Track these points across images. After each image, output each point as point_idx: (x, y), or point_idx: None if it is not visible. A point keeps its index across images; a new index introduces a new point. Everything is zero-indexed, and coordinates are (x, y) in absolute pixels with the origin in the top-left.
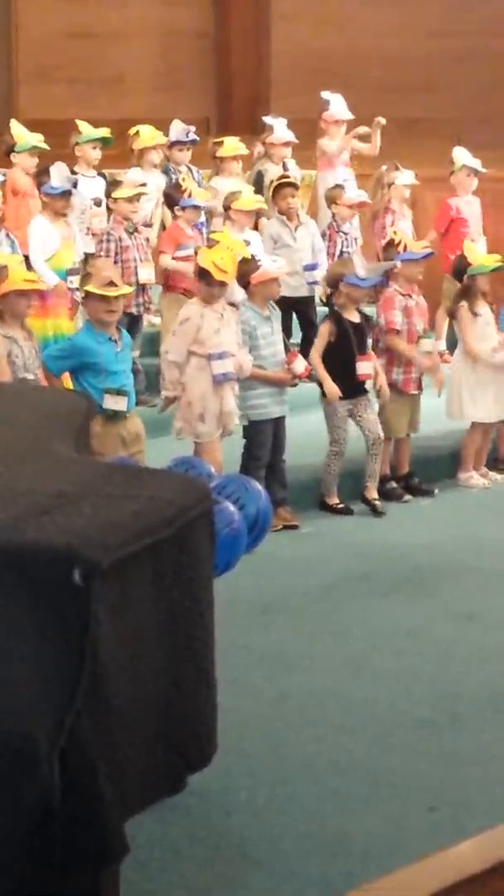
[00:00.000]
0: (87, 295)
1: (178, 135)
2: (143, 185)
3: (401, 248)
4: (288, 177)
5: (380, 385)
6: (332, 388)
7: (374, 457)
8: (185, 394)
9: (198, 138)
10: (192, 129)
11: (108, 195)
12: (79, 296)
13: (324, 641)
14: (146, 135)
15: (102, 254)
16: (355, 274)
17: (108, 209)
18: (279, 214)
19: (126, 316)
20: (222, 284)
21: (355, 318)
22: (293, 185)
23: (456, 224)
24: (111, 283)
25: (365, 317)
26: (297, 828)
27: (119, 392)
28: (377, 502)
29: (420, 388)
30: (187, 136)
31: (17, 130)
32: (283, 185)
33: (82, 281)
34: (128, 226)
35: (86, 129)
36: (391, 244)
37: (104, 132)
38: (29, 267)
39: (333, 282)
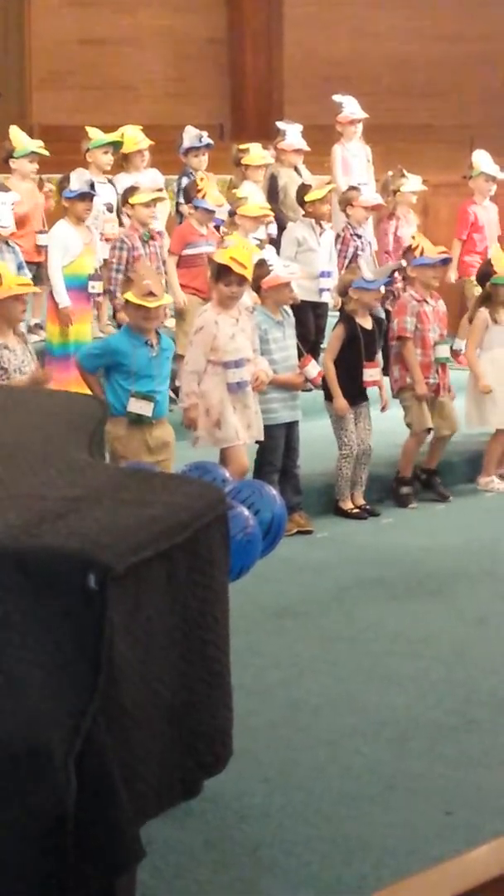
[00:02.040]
0: (127, 302)
1: (192, 141)
2: (160, 189)
3: (418, 253)
4: (330, 181)
5: (384, 401)
6: (342, 404)
7: (363, 466)
8: (203, 401)
9: (212, 142)
10: (205, 133)
11: (125, 201)
12: (100, 300)
13: (338, 646)
14: (129, 138)
15: (114, 261)
16: (362, 278)
17: (126, 215)
18: (307, 218)
19: None
20: (242, 280)
21: (367, 324)
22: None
23: (472, 230)
24: (150, 294)
25: (377, 321)
26: (312, 832)
27: (146, 397)
28: (367, 507)
29: (438, 392)
30: (201, 141)
31: (16, 136)
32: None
33: (124, 287)
34: (143, 233)
35: (96, 135)
36: (410, 249)
37: (114, 136)
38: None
39: (343, 289)
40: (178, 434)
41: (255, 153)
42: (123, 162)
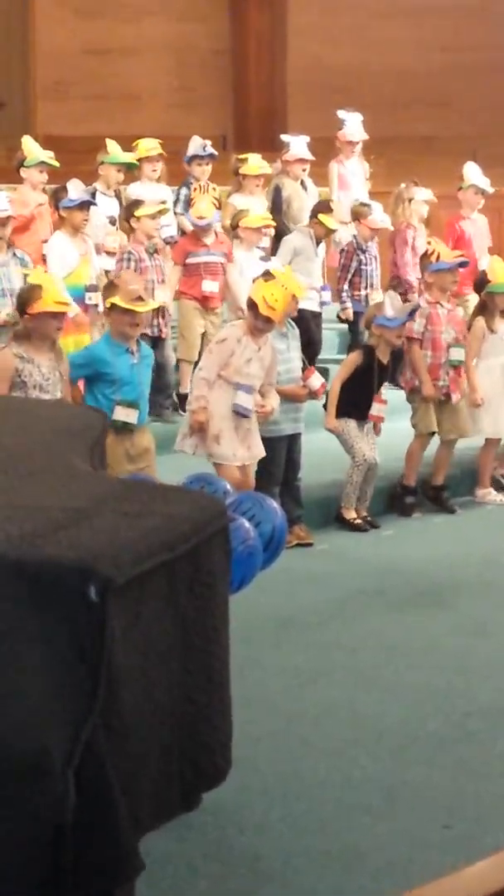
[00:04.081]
0: (113, 307)
1: (196, 149)
2: (164, 202)
3: (434, 258)
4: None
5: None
6: (333, 423)
7: (368, 481)
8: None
9: (216, 153)
10: (209, 143)
11: (130, 214)
12: (98, 310)
13: (338, 657)
14: (140, 146)
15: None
16: (384, 315)
17: (131, 228)
18: (306, 228)
19: (146, 339)
20: (268, 320)
21: (385, 358)
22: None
23: (459, 244)
24: (139, 298)
25: (394, 357)
26: (311, 844)
27: (130, 404)
28: (369, 519)
29: (448, 395)
30: (204, 150)
31: (28, 145)
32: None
33: (107, 292)
34: (148, 246)
35: (114, 150)
36: (426, 255)
37: (130, 157)
38: None
39: (367, 323)
40: (171, 444)
41: (253, 163)
42: (136, 171)
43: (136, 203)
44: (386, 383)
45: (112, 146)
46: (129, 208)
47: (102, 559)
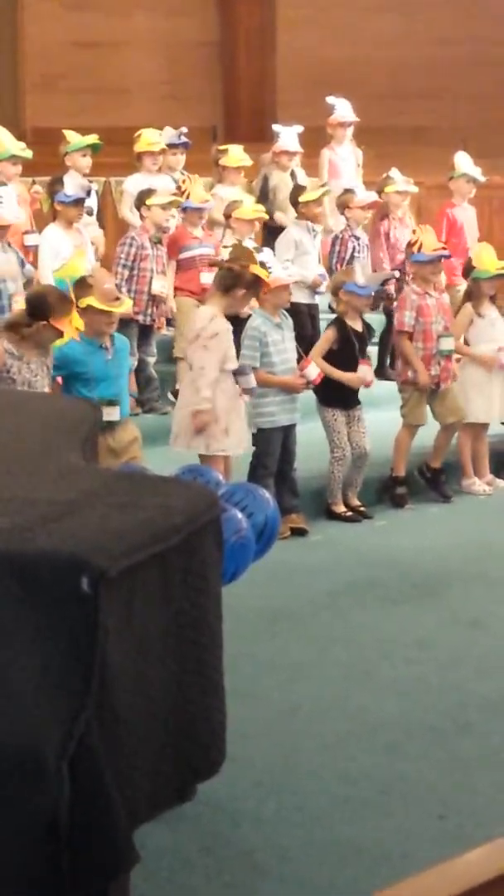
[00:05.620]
0: (88, 307)
1: (171, 138)
2: (176, 193)
3: (416, 248)
4: (325, 184)
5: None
6: (353, 377)
7: (358, 469)
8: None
9: (190, 142)
10: (184, 130)
11: (141, 202)
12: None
13: (332, 649)
14: (143, 139)
15: (122, 257)
16: (355, 282)
17: (141, 216)
18: (301, 220)
19: (135, 325)
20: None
21: (358, 325)
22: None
23: (451, 232)
24: (116, 298)
25: (366, 325)
26: (306, 836)
27: (111, 402)
28: (361, 508)
29: (439, 385)
30: (179, 139)
31: None
32: (301, 192)
33: (80, 291)
34: (153, 235)
35: (73, 138)
36: (410, 244)
37: (92, 139)
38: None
39: (335, 289)
40: (163, 436)
41: (233, 155)
42: (136, 162)
43: (149, 192)
44: (375, 380)
45: (70, 135)
46: (141, 197)
47: (95, 551)
